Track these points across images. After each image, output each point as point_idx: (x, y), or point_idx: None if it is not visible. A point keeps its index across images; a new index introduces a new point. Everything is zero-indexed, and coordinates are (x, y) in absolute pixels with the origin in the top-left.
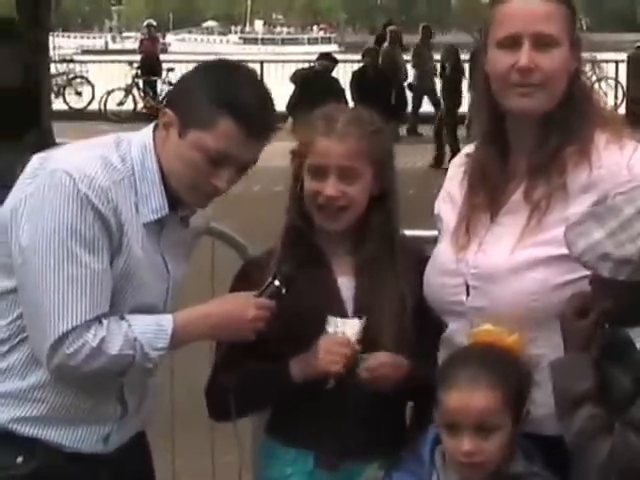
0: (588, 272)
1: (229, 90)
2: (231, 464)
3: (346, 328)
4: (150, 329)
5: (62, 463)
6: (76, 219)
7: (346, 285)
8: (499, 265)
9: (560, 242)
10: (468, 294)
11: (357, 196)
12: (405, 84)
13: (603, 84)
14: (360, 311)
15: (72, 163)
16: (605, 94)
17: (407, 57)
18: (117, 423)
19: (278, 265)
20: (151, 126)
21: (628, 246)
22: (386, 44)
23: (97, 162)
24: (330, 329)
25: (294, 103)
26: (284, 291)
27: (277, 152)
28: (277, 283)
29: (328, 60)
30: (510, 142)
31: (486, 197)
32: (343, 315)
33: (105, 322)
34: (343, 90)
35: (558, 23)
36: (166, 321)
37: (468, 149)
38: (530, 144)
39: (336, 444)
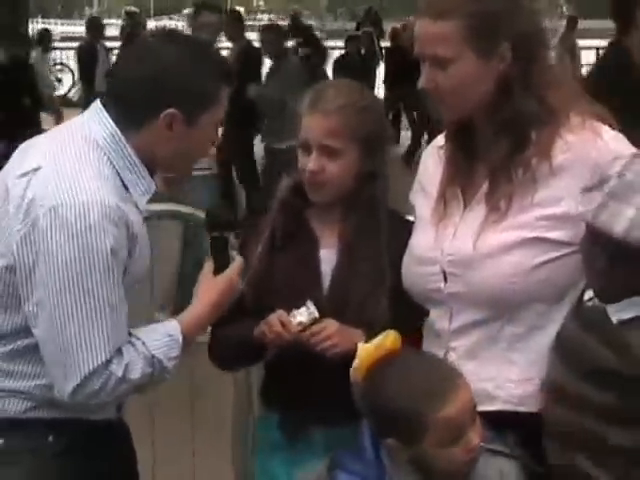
0: (561, 252)
1: (213, 63)
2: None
3: (304, 313)
4: (163, 342)
5: (85, 436)
6: (89, 254)
7: (328, 258)
8: (474, 251)
9: (532, 225)
10: (446, 281)
11: (338, 172)
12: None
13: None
14: (333, 286)
15: (70, 193)
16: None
17: (385, 43)
18: None
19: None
20: (101, 119)
21: None
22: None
23: (91, 177)
24: (301, 309)
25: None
26: (225, 235)
27: None
28: (213, 235)
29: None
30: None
31: (458, 185)
32: (317, 287)
33: (124, 349)
34: (327, 77)
35: (450, 41)
36: (174, 330)
37: (440, 138)
38: (485, 144)
39: (297, 411)
